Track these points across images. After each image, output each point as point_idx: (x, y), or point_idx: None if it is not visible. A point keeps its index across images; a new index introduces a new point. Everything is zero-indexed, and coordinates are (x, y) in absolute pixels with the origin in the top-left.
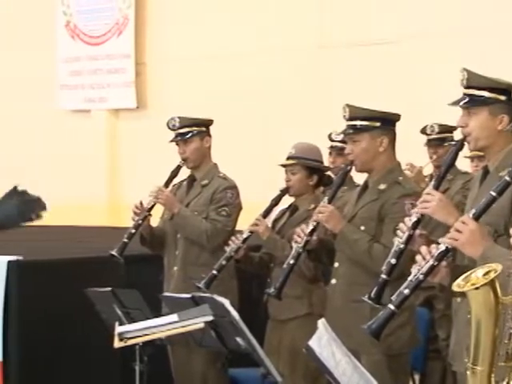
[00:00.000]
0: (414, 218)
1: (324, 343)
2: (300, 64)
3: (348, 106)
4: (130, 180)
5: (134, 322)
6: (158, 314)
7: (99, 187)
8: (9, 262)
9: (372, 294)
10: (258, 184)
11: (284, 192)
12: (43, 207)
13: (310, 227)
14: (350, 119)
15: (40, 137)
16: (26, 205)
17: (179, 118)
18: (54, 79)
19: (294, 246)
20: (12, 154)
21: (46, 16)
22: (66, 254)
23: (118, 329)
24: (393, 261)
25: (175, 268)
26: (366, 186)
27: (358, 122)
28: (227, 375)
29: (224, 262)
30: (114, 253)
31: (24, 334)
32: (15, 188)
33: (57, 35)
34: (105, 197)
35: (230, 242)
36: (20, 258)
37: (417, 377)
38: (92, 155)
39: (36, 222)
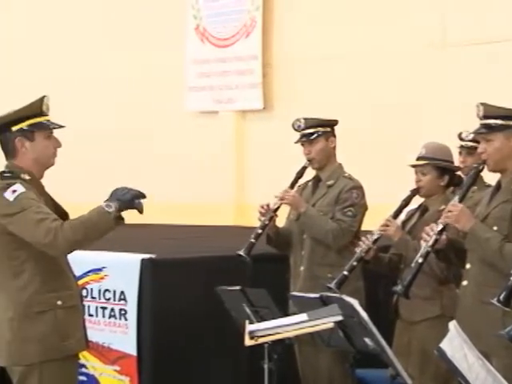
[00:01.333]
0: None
1: (456, 345)
2: (425, 62)
3: (482, 104)
4: (256, 180)
5: (263, 320)
6: (285, 313)
7: (226, 187)
8: (142, 260)
9: (501, 297)
10: (387, 185)
11: (414, 193)
12: (142, 195)
13: (440, 226)
14: (484, 118)
15: (168, 137)
16: (129, 191)
17: (304, 118)
18: (182, 81)
19: (423, 244)
20: (141, 155)
21: (176, 20)
22: (196, 252)
23: (249, 327)
24: None
25: (301, 268)
26: (498, 186)
27: (492, 121)
28: (354, 375)
29: (355, 263)
30: (241, 253)
31: (157, 331)
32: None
33: (186, 38)
34: (232, 197)
35: (361, 243)
36: (153, 256)
37: None
38: (219, 156)
39: (166, 221)
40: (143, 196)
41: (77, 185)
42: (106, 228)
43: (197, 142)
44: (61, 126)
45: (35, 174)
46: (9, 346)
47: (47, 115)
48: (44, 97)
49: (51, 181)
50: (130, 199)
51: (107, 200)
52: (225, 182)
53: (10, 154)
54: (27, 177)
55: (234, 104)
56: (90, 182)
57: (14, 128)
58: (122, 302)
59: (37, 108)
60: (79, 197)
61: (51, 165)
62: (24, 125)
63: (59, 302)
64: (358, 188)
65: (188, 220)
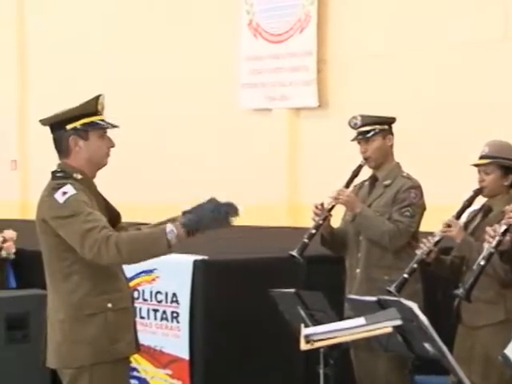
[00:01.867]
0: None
1: None
2: (486, 58)
3: None
4: (310, 179)
5: (318, 324)
6: (340, 317)
7: (279, 187)
8: (195, 262)
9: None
10: (448, 185)
11: (477, 193)
12: (235, 212)
13: (503, 227)
14: None
15: (220, 135)
16: (219, 210)
17: (361, 116)
18: (235, 78)
19: (486, 246)
20: (192, 154)
21: (229, 15)
22: (248, 253)
23: (305, 331)
24: None
25: (357, 270)
26: None
27: None
28: (413, 382)
29: (415, 266)
30: (294, 253)
31: (209, 334)
32: (211, 198)
33: (239, 34)
34: (285, 196)
35: (421, 245)
36: (205, 257)
37: None
38: (272, 154)
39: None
40: (236, 213)
41: (129, 184)
42: (157, 256)
43: (249, 140)
44: (115, 126)
45: (87, 173)
46: (59, 348)
47: (102, 114)
48: (99, 96)
49: (105, 180)
50: (208, 228)
51: (179, 219)
52: (277, 181)
53: (63, 152)
54: (79, 176)
55: (288, 101)
56: (141, 182)
57: (69, 126)
58: (174, 304)
59: (92, 107)
60: (135, 197)
61: (104, 165)
62: (78, 123)
63: (110, 305)
64: (417, 187)
65: (240, 221)
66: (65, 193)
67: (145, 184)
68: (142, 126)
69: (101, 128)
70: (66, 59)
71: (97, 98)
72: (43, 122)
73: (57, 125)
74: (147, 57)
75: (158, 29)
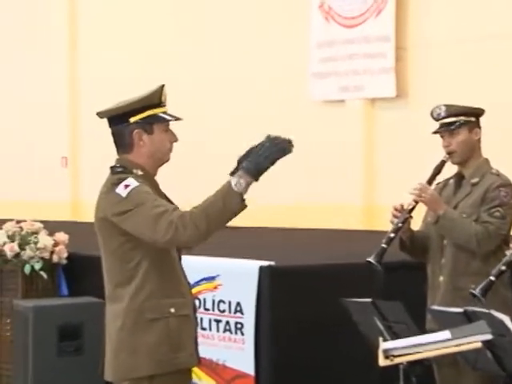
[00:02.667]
0: None
1: None
2: None
3: None
4: (387, 178)
5: (397, 337)
6: (421, 330)
7: (354, 186)
8: (260, 268)
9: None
10: None
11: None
12: (289, 143)
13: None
14: None
15: (289, 129)
16: (272, 148)
17: (445, 106)
18: (305, 66)
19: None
20: None
21: None
22: (319, 259)
23: (383, 345)
24: None
25: (441, 278)
26: None
27: None
28: None
29: (503, 268)
30: (371, 260)
31: (277, 347)
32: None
33: (310, 18)
34: (360, 196)
35: None
36: (272, 263)
37: None
38: (346, 149)
39: (285, 224)
40: (290, 149)
41: (190, 185)
42: (235, 213)
43: (320, 133)
44: (179, 119)
45: (149, 170)
46: (116, 359)
47: (165, 106)
48: (163, 86)
49: (168, 178)
50: (268, 167)
51: (239, 168)
52: (352, 179)
53: (124, 147)
54: (140, 172)
55: (363, 92)
56: (203, 182)
57: (132, 119)
58: (238, 314)
59: (156, 98)
60: (198, 194)
61: (167, 160)
62: (143, 116)
63: (172, 310)
64: (507, 186)
65: (309, 223)
66: (127, 186)
67: (207, 184)
68: (204, 122)
69: (165, 121)
70: (119, 54)
71: (161, 88)
72: (102, 114)
73: (119, 117)
74: (210, 46)
75: (220, 16)
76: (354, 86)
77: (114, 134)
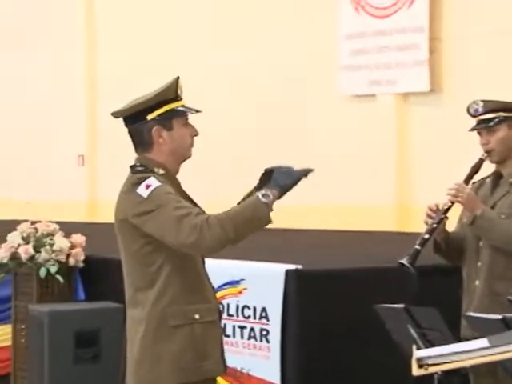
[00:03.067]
0: None
1: None
2: None
3: None
4: (421, 177)
5: (431, 345)
6: (456, 337)
7: (386, 186)
8: (287, 272)
9: None
10: None
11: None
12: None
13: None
14: None
15: (318, 126)
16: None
17: (483, 101)
18: (334, 59)
19: None
20: (286, 147)
21: None
22: (349, 262)
23: (417, 353)
24: None
25: (477, 282)
26: None
27: None
28: None
29: None
30: (404, 262)
31: (304, 355)
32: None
33: (339, 8)
34: (392, 196)
35: None
36: (299, 266)
37: None
38: (377, 147)
39: (313, 226)
40: (307, 173)
41: (214, 184)
42: (262, 224)
43: (350, 130)
44: (198, 111)
45: (170, 168)
46: (138, 368)
47: (182, 99)
48: (178, 78)
49: (189, 177)
50: (293, 184)
51: (265, 186)
52: (384, 179)
53: (143, 146)
54: (161, 171)
55: (395, 86)
56: (229, 179)
57: (150, 116)
58: (264, 320)
59: (172, 92)
60: (223, 195)
61: (188, 157)
62: (160, 112)
63: (197, 316)
64: None
65: (339, 224)
66: (148, 186)
67: (228, 182)
68: (225, 118)
69: (184, 115)
70: (137, 51)
71: (176, 81)
72: (117, 114)
73: (135, 115)
74: (233, 40)
75: (244, 6)
76: (385, 80)
77: (131, 133)
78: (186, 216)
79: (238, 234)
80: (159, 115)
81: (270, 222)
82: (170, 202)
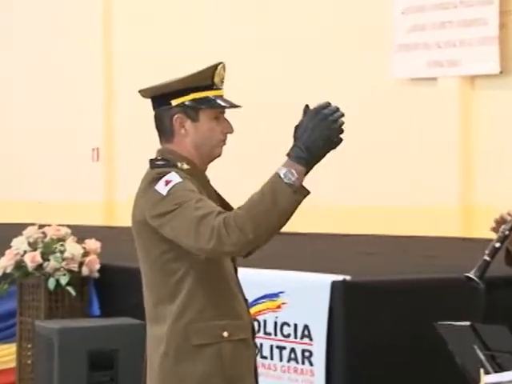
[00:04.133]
0: None
1: None
2: None
3: None
4: (489, 174)
5: (503, 369)
6: None
7: (448, 183)
8: (333, 283)
9: None
10: None
11: None
12: (338, 111)
13: None
14: None
15: (369, 113)
16: (323, 122)
17: None
18: (388, 38)
19: None
20: None
21: None
22: (405, 273)
23: (485, 379)
24: None
25: None
26: None
27: None
28: None
29: None
30: (471, 276)
31: (353, 380)
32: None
33: None
34: (456, 196)
35: None
36: (347, 277)
37: None
38: (438, 139)
39: (362, 231)
40: (340, 114)
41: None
42: (288, 212)
43: (407, 119)
44: (235, 106)
45: (197, 163)
46: None
47: (220, 89)
48: (219, 64)
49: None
50: (328, 149)
51: (289, 157)
52: (446, 175)
53: (165, 135)
54: (186, 166)
55: (459, 67)
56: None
57: (175, 101)
58: (306, 339)
59: (206, 78)
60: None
61: (216, 155)
62: (188, 98)
63: (225, 334)
64: None
65: (392, 228)
66: (168, 182)
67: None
68: (265, 106)
69: (216, 107)
70: (155, 37)
71: (215, 66)
72: (144, 92)
73: (160, 98)
74: (272, 14)
75: None
76: (447, 61)
77: (155, 119)
78: (205, 217)
79: (258, 233)
80: (185, 102)
81: (299, 203)
82: (191, 200)
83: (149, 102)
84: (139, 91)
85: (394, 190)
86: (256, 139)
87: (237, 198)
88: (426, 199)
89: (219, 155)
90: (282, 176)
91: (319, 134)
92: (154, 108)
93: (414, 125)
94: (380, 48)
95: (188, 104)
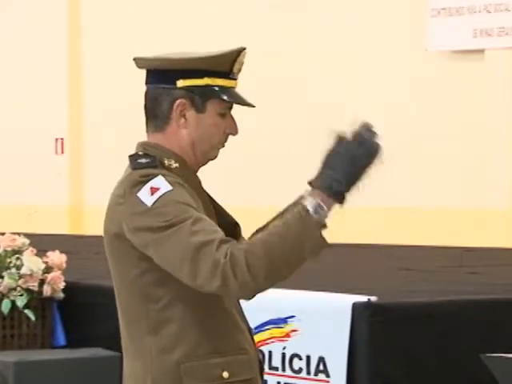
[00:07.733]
0: None
1: None
2: None
3: None
4: None
5: None
6: None
7: (495, 179)
8: (354, 306)
9: None
10: None
11: None
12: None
13: None
14: None
15: (403, 91)
16: (360, 144)
17: None
18: (423, 3)
19: None
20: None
21: None
22: (440, 293)
23: None
24: None
25: None
26: None
27: None
28: None
29: None
30: None
31: None
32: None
33: None
34: (504, 197)
35: None
36: (372, 298)
37: None
38: (484, 122)
39: (385, 241)
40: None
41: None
42: (311, 252)
43: (447, 99)
44: (249, 105)
45: (189, 162)
46: None
47: (235, 79)
48: (242, 51)
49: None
50: (359, 169)
51: (315, 186)
52: (493, 169)
53: (157, 120)
54: (175, 164)
55: (509, 38)
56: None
57: (181, 82)
58: (322, 376)
59: (225, 64)
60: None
61: (212, 157)
62: (199, 83)
63: (225, 374)
64: None
65: (425, 238)
66: (154, 190)
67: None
68: (287, 83)
69: (227, 101)
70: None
71: (238, 52)
72: (141, 62)
73: (163, 74)
74: None
75: None
76: (497, 29)
77: (146, 98)
78: (205, 245)
79: (273, 278)
80: (194, 86)
81: (323, 247)
82: (185, 220)
83: (122, 87)
84: (134, 59)
85: (430, 189)
86: (256, 139)
87: (235, 202)
88: (471, 199)
89: (215, 158)
90: (310, 209)
91: (361, 165)
92: (148, 83)
93: (456, 106)
94: (416, 14)
95: (198, 90)
